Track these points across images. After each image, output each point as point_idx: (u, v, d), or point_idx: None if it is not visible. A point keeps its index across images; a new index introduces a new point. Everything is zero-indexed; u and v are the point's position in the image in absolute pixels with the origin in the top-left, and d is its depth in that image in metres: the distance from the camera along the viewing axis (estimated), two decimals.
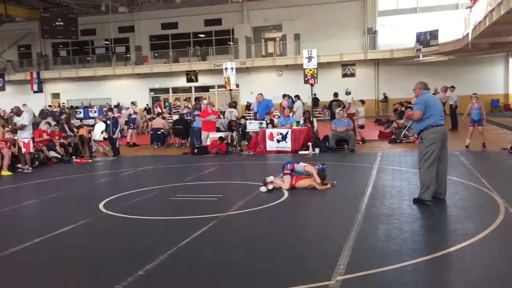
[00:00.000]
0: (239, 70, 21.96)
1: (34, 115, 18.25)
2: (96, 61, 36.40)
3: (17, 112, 12.97)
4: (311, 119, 15.42)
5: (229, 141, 15.13)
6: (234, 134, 15.60)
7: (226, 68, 16.79)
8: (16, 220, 7.55)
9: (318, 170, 8.54)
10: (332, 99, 17.12)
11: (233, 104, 18.44)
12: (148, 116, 25.29)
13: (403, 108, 17.90)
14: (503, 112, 28.54)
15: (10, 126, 13.17)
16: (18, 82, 35.60)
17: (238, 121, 16.16)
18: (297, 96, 19.11)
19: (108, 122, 15.15)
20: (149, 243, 5.79)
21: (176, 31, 35.54)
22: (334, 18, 31.39)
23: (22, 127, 12.67)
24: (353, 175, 10.31)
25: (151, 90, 36.24)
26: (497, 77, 30.39)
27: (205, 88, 35.11)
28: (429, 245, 5.40)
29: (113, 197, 8.53)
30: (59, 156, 13.98)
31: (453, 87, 19.75)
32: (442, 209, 6.86)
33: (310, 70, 14.27)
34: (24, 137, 12.46)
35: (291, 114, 15.92)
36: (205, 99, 23.95)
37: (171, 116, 24.00)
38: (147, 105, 33.27)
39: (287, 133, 14.10)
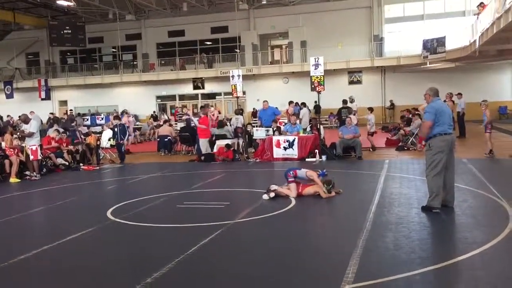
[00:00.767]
0: (245, 77, 21.99)
1: (41, 122, 18.40)
2: (103, 68, 36.62)
3: (25, 119, 13.07)
4: (318, 126, 15.42)
5: (235, 148, 15.13)
6: (241, 141, 15.61)
7: (232, 76, 16.83)
8: (24, 227, 7.58)
9: (319, 176, 8.54)
10: (342, 106, 17.04)
11: (240, 111, 18.46)
12: (155, 123, 25.36)
13: (410, 116, 17.84)
14: (511, 119, 28.38)
15: (18, 134, 13.25)
16: (26, 90, 35.86)
17: (245, 128, 16.17)
18: (304, 104, 19.09)
19: (116, 129, 15.21)
20: (157, 251, 5.79)
21: (183, 38, 35.72)
22: (340, 25, 31.43)
23: (30, 135, 12.77)
24: (361, 182, 10.26)
25: (158, 97, 36.39)
26: (504, 84, 30.26)
27: (212, 96, 35.21)
28: (438, 253, 5.36)
29: (120, 204, 8.55)
30: (67, 163, 14.04)
31: (460, 94, 19.67)
32: (451, 217, 6.81)
33: (317, 77, 14.27)
34: (32, 144, 12.54)
35: (297, 121, 15.92)
36: (211, 106, 23.96)
37: (176, 123, 24.09)
38: (154, 112, 33.40)
39: (294, 140, 14.09)
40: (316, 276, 4.73)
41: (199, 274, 4.89)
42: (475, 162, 11.87)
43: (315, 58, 14.46)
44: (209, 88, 34.36)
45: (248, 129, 16.20)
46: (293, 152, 14.04)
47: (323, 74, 14.35)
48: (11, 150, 12.54)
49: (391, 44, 31.33)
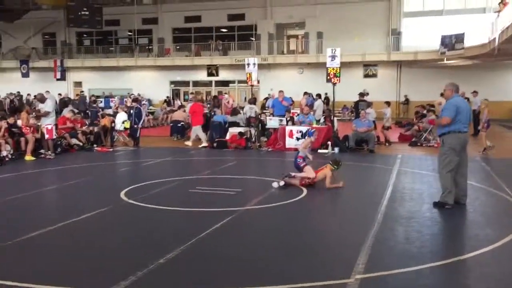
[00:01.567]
0: (260, 66, 21.90)
1: (56, 103, 18.58)
2: (119, 51, 36.74)
3: (41, 99, 13.25)
4: (332, 118, 15.38)
5: (248, 136, 15.17)
6: (253, 130, 15.64)
7: (248, 64, 16.82)
8: (38, 205, 7.73)
9: (307, 135, 8.76)
10: (358, 99, 16.91)
11: (253, 101, 18.46)
12: (168, 108, 25.46)
13: (424, 111, 17.71)
14: None
15: (33, 112, 13.42)
16: (42, 70, 36.13)
17: (259, 117, 16.18)
18: (318, 95, 19.02)
19: (131, 112, 15.28)
20: (170, 233, 5.88)
21: (199, 24, 35.67)
22: (358, 18, 31.13)
23: (46, 114, 12.94)
24: (373, 176, 10.27)
25: (172, 82, 36.47)
26: None
27: (225, 83, 35.19)
28: (448, 249, 5.38)
29: (133, 186, 8.65)
30: (81, 144, 14.18)
31: (475, 92, 19.47)
32: (463, 214, 6.81)
33: (333, 69, 14.22)
34: (47, 124, 12.70)
35: (311, 113, 15.89)
36: (226, 93, 23.98)
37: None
38: (168, 97, 33.49)
39: (307, 131, 14.06)
40: (325, 266, 4.77)
41: (210, 258, 4.97)
42: (488, 161, 11.79)
43: (332, 50, 14.40)
44: (223, 75, 34.35)
45: (262, 118, 16.20)
46: None
47: (339, 66, 14.28)
48: (27, 128, 12.70)
49: (409, 39, 31.01)
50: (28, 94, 28.78)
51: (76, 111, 16.43)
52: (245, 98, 27.13)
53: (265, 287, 4.19)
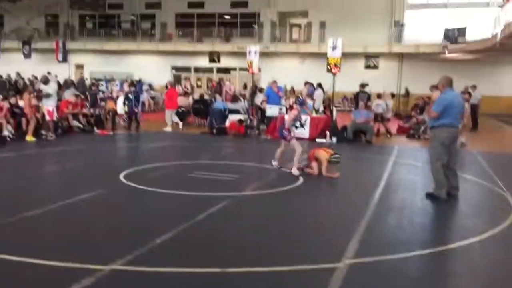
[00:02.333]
0: (262, 54, 21.87)
1: (59, 85, 18.62)
2: (121, 35, 36.66)
3: (45, 80, 13.34)
4: (331, 108, 15.48)
5: (248, 124, 15.27)
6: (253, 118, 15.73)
7: (249, 52, 16.86)
8: (38, 184, 7.86)
9: (296, 102, 9.45)
10: (359, 90, 16.96)
11: (258, 89, 18.45)
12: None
13: (424, 104, 17.79)
14: None
15: (35, 93, 13.48)
16: (44, 51, 36.05)
17: (261, 105, 16.24)
18: (319, 85, 19.07)
19: (130, 95, 15.32)
20: (167, 215, 6.02)
21: (202, 10, 35.54)
22: (361, 8, 31.03)
23: (47, 96, 13.03)
24: (369, 166, 10.40)
25: (173, 68, 36.45)
26: None
27: (227, 70, 35.17)
28: (437, 238, 5.53)
29: (132, 169, 8.77)
30: (82, 126, 14.29)
31: (474, 86, 19.53)
32: (454, 205, 6.95)
33: (333, 59, 14.29)
34: (49, 105, 12.80)
35: (310, 102, 15.96)
36: (227, 81, 24.05)
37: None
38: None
39: (305, 120, 14.17)
40: (316, 250, 4.92)
41: (204, 239, 5.11)
42: (484, 155, 11.92)
43: (333, 40, 14.45)
44: (224, 62, 34.33)
45: (262, 107, 16.28)
46: (304, 132, 14.13)
47: (340, 56, 14.34)
48: (29, 109, 12.80)
49: (411, 31, 30.95)
50: (32, 75, 28.78)
51: (77, 93, 16.47)
52: (245, 85, 27.10)
53: (254, 267, 4.33)
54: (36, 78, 23.73)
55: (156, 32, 36.45)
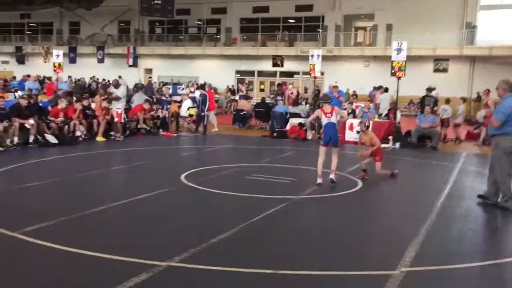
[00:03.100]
0: (325, 58, 21.75)
1: (128, 88, 19.49)
2: (188, 40, 37.77)
3: (116, 84, 14.09)
4: (395, 113, 15.09)
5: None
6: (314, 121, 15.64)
7: (312, 55, 16.82)
8: (106, 182, 8.30)
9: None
10: (425, 94, 16.40)
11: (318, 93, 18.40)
12: (233, 97, 25.92)
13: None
14: None
15: (105, 96, 14.20)
16: (116, 56, 37.88)
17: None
18: (386, 89, 18.63)
19: (197, 99, 15.68)
20: (224, 216, 6.16)
21: (267, 15, 35.86)
22: (430, 10, 29.99)
23: (117, 99, 13.71)
24: (433, 173, 10.04)
25: (237, 72, 37.02)
26: None
27: (290, 74, 35.22)
28: (499, 249, 5.26)
29: (194, 170, 9.02)
30: (148, 128, 14.87)
31: None
32: None
33: (398, 62, 13.92)
34: (118, 108, 13.45)
35: (371, 105, 15.69)
36: (290, 84, 24.11)
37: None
38: (232, 86, 34.04)
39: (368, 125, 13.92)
40: (372, 256, 4.84)
41: (260, 241, 5.18)
42: None
43: (398, 43, 14.08)
44: (287, 66, 34.41)
45: None
46: None
47: (405, 59, 13.95)
48: (100, 111, 13.50)
49: (484, 33, 29.51)
50: (104, 79, 30.36)
51: (148, 98, 17.07)
52: (306, 90, 27.05)
53: (307, 271, 4.33)
54: (108, 81, 24.93)
55: (221, 37, 37.22)
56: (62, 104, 12.68)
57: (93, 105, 13.76)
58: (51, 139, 11.51)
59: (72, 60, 36.18)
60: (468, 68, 30.53)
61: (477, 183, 8.75)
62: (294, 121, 15.33)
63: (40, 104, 13.29)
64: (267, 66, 35.16)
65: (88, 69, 35.21)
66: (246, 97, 21.49)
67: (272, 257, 4.72)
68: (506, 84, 6.72)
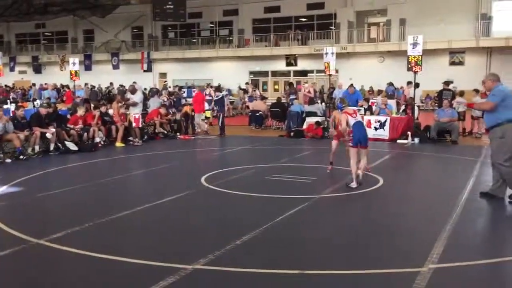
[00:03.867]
0: (339, 55, 21.65)
1: (144, 93, 19.64)
2: (201, 43, 37.92)
3: (132, 90, 14.22)
4: (413, 107, 14.94)
5: (325, 126, 15.14)
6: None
7: (326, 53, 16.74)
8: (126, 187, 8.36)
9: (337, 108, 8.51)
10: (443, 88, 16.19)
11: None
12: (246, 97, 25.91)
13: None
14: None
15: (123, 102, 14.34)
16: (130, 62, 38.22)
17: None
18: (417, 85, 18.36)
19: (213, 100, 15.72)
20: (246, 217, 6.15)
21: (278, 14, 35.84)
22: (444, 2, 29.63)
23: (134, 104, 13.84)
24: (455, 167, 9.91)
25: (251, 72, 37.05)
26: None
27: (304, 73, 35.12)
28: None
29: (213, 172, 9.04)
30: (165, 132, 14.96)
31: None
32: None
33: (414, 57, 13.78)
34: (135, 113, 13.56)
35: (390, 102, 15.56)
36: (306, 83, 24.02)
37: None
38: (246, 83, 34.01)
39: (385, 121, 13.82)
40: (398, 254, 4.78)
41: (284, 241, 5.16)
42: None
43: (413, 37, 13.95)
44: (301, 65, 34.32)
45: None
46: (384, 133, 13.79)
47: (421, 54, 13.81)
48: (118, 117, 13.62)
49: (500, 24, 29.03)
50: (120, 85, 30.61)
51: (164, 103, 17.19)
52: (321, 89, 26.94)
53: (333, 270, 4.30)
54: (124, 87, 25.15)
55: (234, 38, 37.28)
56: (81, 111, 12.83)
57: (110, 111, 13.89)
58: (71, 146, 11.66)
59: (88, 68, 36.63)
60: (485, 59, 30.06)
61: None
62: (310, 120, 15.27)
63: (59, 112, 13.48)
64: (281, 65, 35.13)
65: (103, 75, 35.56)
66: (256, 98, 21.48)
67: (298, 257, 4.70)
68: (493, 76, 6.83)
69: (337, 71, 27.22)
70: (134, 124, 13.41)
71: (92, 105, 15.05)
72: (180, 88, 28.76)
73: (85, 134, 12.31)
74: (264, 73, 36.73)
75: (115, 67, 37.18)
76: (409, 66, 13.97)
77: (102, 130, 12.94)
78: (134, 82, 22.25)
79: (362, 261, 4.56)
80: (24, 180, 8.43)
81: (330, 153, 9.03)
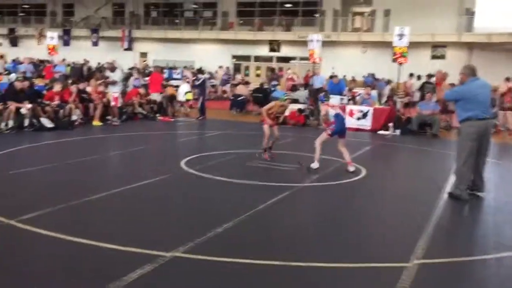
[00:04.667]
0: (323, 44, 21.47)
1: (123, 72, 19.19)
2: (184, 24, 37.26)
3: (112, 68, 13.79)
4: (394, 99, 14.96)
5: (307, 113, 15.04)
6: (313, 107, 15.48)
7: (311, 40, 16.58)
8: (103, 168, 8.09)
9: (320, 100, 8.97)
10: (425, 81, 16.19)
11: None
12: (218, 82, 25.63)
13: (493, 97, 16.75)
14: None
15: (101, 80, 13.96)
16: (110, 39, 37.30)
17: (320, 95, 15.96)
18: (419, 77, 18.38)
19: (196, 83, 15.49)
20: (227, 204, 5.99)
21: None
22: None
23: (113, 83, 13.47)
24: (435, 161, 9.94)
25: (234, 56, 36.63)
26: None
27: (287, 59, 34.89)
28: None
29: (193, 156, 8.83)
30: (145, 112, 14.63)
31: None
32: None
33: (400, 48, 13.75)
34: (114, 92, 13.21)
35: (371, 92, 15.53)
36: (289, 69, 23.85)
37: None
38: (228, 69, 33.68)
39: (368, 111, 13.79)
40: (382, 248, 4.69)
41: (265, 231, 5.03)
42: None
43: (400, 28, 13.89)
44: (284, 51, 34.07)
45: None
46: (366, 123, 13.77)
47: (407, 45, 13.77)
48: (96, 94, 13.24)
49: (483, 20, 29.24)
50: (98, 63, 29.85)
51: (145, 83, 16.83)
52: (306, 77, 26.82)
53: (315, 263, 4.18)
54: (102, 65, 24.52)
55: (218, 21, 36.73)
56: (57, 87, 12.41)
57: (88, 89, 13.49)
58: (47, 123, 11.27)
59: (66, 43, 35.62)
60: (466, 55, 30.33)
61: None
62: (293, 107, 15.12)
63: (36, 88, 13.02)
64: (264, 51, 34.80)
65: (82, 52, 34.63)
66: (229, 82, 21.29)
67: (280, 247, 4.57)
68: (467, 69, 6.56)
69: (320, 59, 27.09)
70: (113, 103, 13.06)
71: (70, 81, 14.60)
72: (162, 69, 28.29)
73: (62, 111, 11.91)
74: (247, 58, 36.37)
75: (95, 44, 36.27)
76: (394, 57, 13.93)
77: (79, 107, 12.56)
78: (114, 61, 21.71)
79: (346, 254, 4.45)
80: None
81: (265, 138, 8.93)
